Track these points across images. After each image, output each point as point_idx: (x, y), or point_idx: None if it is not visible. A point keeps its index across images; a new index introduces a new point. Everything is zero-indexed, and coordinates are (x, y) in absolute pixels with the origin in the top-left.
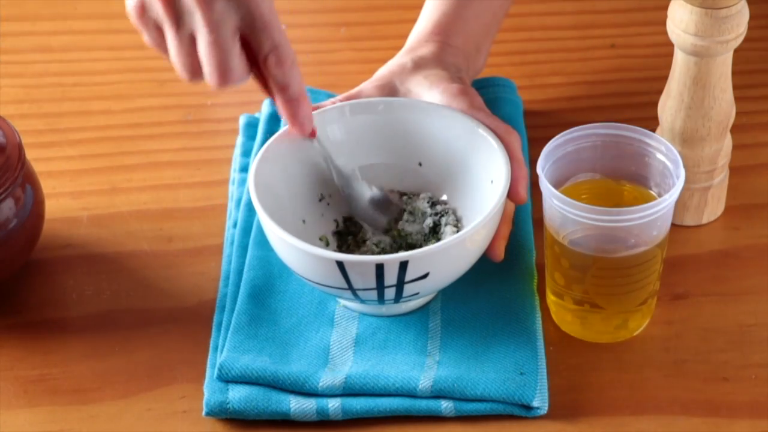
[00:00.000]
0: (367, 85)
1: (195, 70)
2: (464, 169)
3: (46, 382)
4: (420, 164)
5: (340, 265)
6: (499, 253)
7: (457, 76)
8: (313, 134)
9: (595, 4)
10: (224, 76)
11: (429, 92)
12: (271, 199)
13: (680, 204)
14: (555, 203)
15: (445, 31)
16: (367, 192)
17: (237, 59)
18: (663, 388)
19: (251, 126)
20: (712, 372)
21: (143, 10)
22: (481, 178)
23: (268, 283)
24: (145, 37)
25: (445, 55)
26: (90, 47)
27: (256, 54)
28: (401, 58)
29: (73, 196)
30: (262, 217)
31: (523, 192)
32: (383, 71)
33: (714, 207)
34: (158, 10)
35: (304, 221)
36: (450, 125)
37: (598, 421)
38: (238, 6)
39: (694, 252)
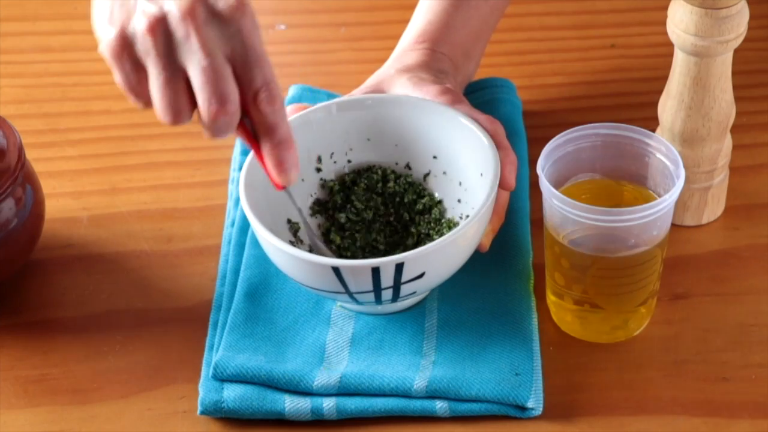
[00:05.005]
0: (356, 92)
1: (180, 109)
2: (453, 162)
3: (46, 382)
4: (408, 164)
5: (336, 270)
6: (485, 244)
7: (441, 80)
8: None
9: (595, 4)
10: (222, 103)
11: (413, 93)
12: (262, 204)
13: (680, 204)
14: (555, 203)
15: (430, 39)
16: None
17: (233, 86)
18: (663, 388)
19: None
20: (712, 372)
21: (123, 47)
22: (471, 171)
23: (265, 281)
24: (117, 77)
25: (430, 62)
26: (90, 47)
27: (244, 91)
28: (387, 68)
29: (73, 196)
30: (255, 224)
31: (512, 178)
32: (370, 80)
33: (714, 207)
34: (143, 42)
35: (299, 225)
36: (438, 119)
37: (598, 421)
38: (231, 35)
39: (694, 252)
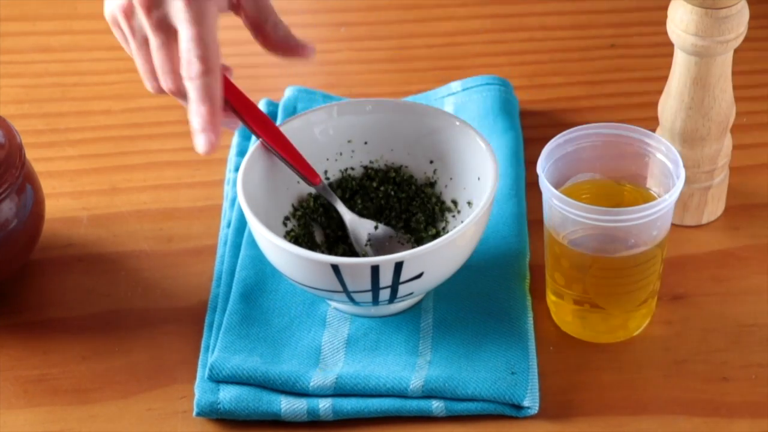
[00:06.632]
0: None
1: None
2: (450, 165)
3: (46, 382)
4: (405, 167)
5: (335, 268)
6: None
7: None
8: (317, 181)
9: (594, 4)
10: (207, 64)
11: None
12: (259, 203)
13: (680, 204)
14: (555, 203)
15: None
16: (367, 228)
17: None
18: (663, 388)
19: None
20: (712, 372)
21: (130, 15)
22: (468, 175)
23: (260, 282)
24: (126, 44)
25: None
26: (90, 47)
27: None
28: None
29: (73, 196)
30: (253, 222)
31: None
32: None
33: (714, 207)
34: (140, 16)
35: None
36: (434, 123)
37: (598, 421)
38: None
39: (694, 252)
